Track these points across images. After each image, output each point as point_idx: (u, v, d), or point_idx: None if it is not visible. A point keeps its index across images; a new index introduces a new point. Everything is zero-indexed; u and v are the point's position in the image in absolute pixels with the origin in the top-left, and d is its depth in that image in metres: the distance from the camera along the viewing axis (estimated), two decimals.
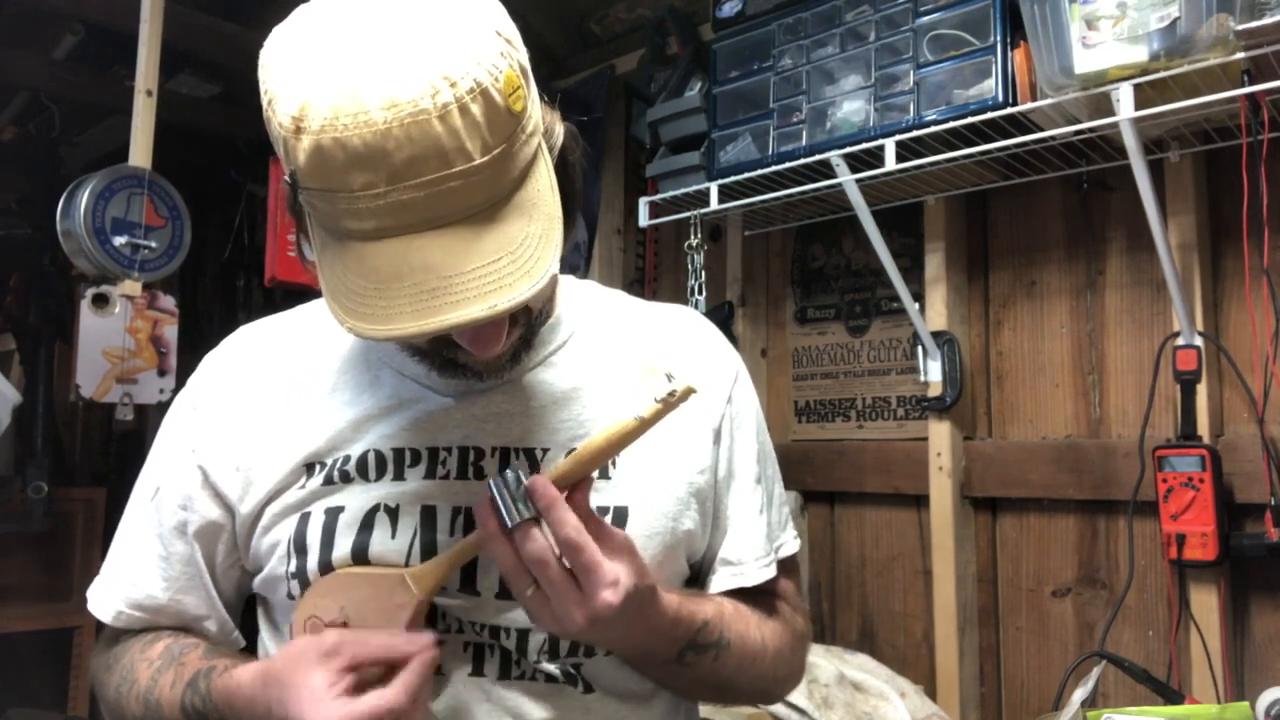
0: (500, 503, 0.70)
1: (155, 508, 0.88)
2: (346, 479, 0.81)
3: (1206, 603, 1.49)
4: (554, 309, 0.89)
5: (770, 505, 0.94)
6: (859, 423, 2.06)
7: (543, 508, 0.70)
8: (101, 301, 1.99)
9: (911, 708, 1.65)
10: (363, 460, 0.82)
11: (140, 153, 1.93)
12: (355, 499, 0.81)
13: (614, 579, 0.70)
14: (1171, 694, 1.43)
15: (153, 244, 2.00)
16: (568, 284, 0.93)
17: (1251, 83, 1.31)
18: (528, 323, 0.80)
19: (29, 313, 3.01)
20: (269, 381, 0.87)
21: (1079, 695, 1.31)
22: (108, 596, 0.89)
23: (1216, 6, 1.27)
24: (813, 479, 2.09)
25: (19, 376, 3.08)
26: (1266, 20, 1.23)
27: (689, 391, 0.72)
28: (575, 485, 0.72)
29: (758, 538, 0.91)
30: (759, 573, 0.90)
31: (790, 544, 0.96)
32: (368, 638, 0.73)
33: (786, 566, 0.95)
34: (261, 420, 0.85)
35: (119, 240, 1.95)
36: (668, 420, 0.79)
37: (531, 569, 0.70)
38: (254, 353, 0.90)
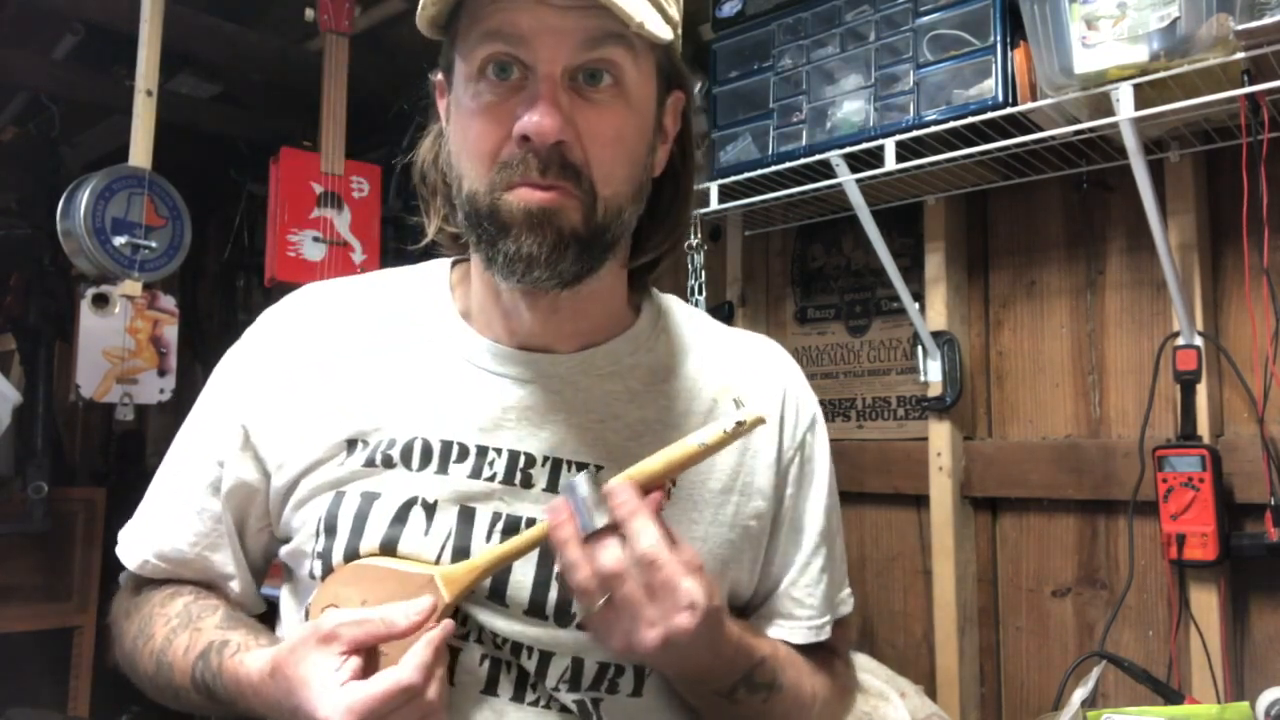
0: (578, 507, 0.67)
1: (193, 460, 0.86)
2: (389, 463, 0.79)
3: (1206, 603, 1.49)
4: (630, 316, 0.87)
5: (835, 562, 0.91)
6: (859, 423, 2.06)
7: (624, 515, 0.67)
8: (101, 301, 1.99)
9: (911, 708, 1.65)
10: (408, 447, 0.79)
11: (140, 153, 1.93)
12: (393, 487, 0.78)
13: (691, 600, 0.66)
14: (1171, 694, 1.43)
15: (153, 244, 2.00)
16: (653, 299, 0.91)
17: (1251, 83, 1.30)
18: (590, 199, 0.75)
19: (29, 313, 3.01)
20: (325, 347, 0.85)
21: (1079, 695, 1.31)
22: (136, 545, 0.88)
23: (1216, 6, 1.27)
24: None
25: (19, 376, 3.07)
26: (1266, 20, 1.23)
27: (758, 421, 0.69)
28: (647, 495, 0.69)
29: (816, 597, 0.88)
30: (816, 634, 0.87)
31: (848, 603, 0.93)
32: (366, 615, 0.70)
33: (840, 624, 0.92)
34: (311, 387, 0.83)
35: (119, 240, 1.95)
36: (731, 455, 0.78)
37: (607, 582, 0.67)
38: (314, 315, 0.88)
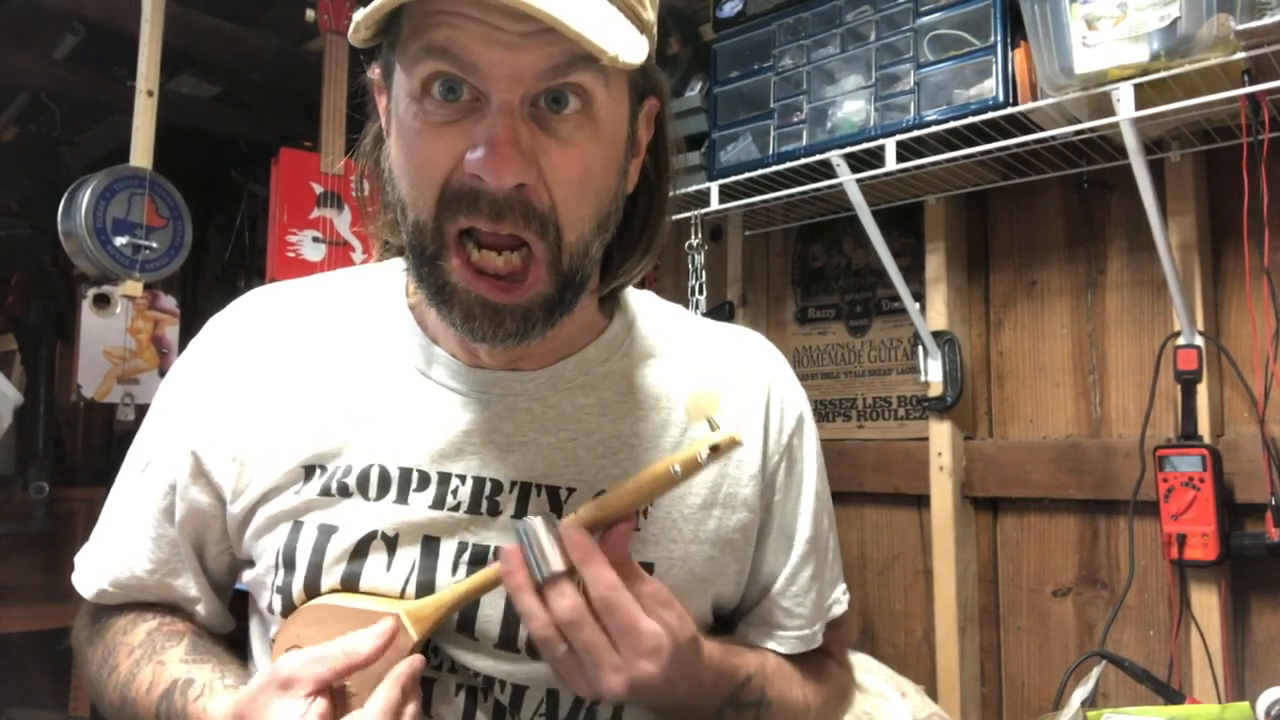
0: (530, 552, 0.64)
1: (144, 485, 0.81)
2: (345, 492, 0.73)
3: (1207, 603, 1.49)
4: (601, 320, 0.81)
5: (825, 566, 0.86)
6: (859, 422, 2.06)
7: (577, 561, 0.63)
8: (103, 302, 2.00)
9: (912, 707, 1.65)
10: (364, 475, 0.74)
11: (141, 153, 1.93)
12: (351, 519, 0.73)
13: (654, 645, 0.64)
14: (1172, 694, 1.43)
15: (154, 244, 2.00)
16: (625, 300, 0.84)
17: (1252, 83, 1.30)
18: (555, 250, 0.67)
19: (30, 313, 3.01)
20: (275, 362, 0.78)
21: (1079, 695, 1.31)
22: (92, 572, 0.83)
23: (1217, 6, 1.27)
24: None
25: (20, 377, 3.08)
26: (1267, 20, 1.23)
27: (732, 444, 0.65)
28: (611, 529, 0.66)
29: (806, 606, 0.84)
30: (806, 644, 0.84)
31: (841, 604, 0.88)
32: (325, 653, 0.65)
33: (834, 624, 0.88)
34: (263, 407, 0.77)
35: (120, 240, 1.96)
36: (712, 469, 0.74)
37: (564, 630, 0.64)
38: (262, 325, 0.81)
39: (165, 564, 0.81)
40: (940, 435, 1.83)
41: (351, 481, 0.74)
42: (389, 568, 0.72)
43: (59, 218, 1.97)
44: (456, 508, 0.73)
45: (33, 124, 3.06)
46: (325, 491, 0.74)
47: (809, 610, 0.84)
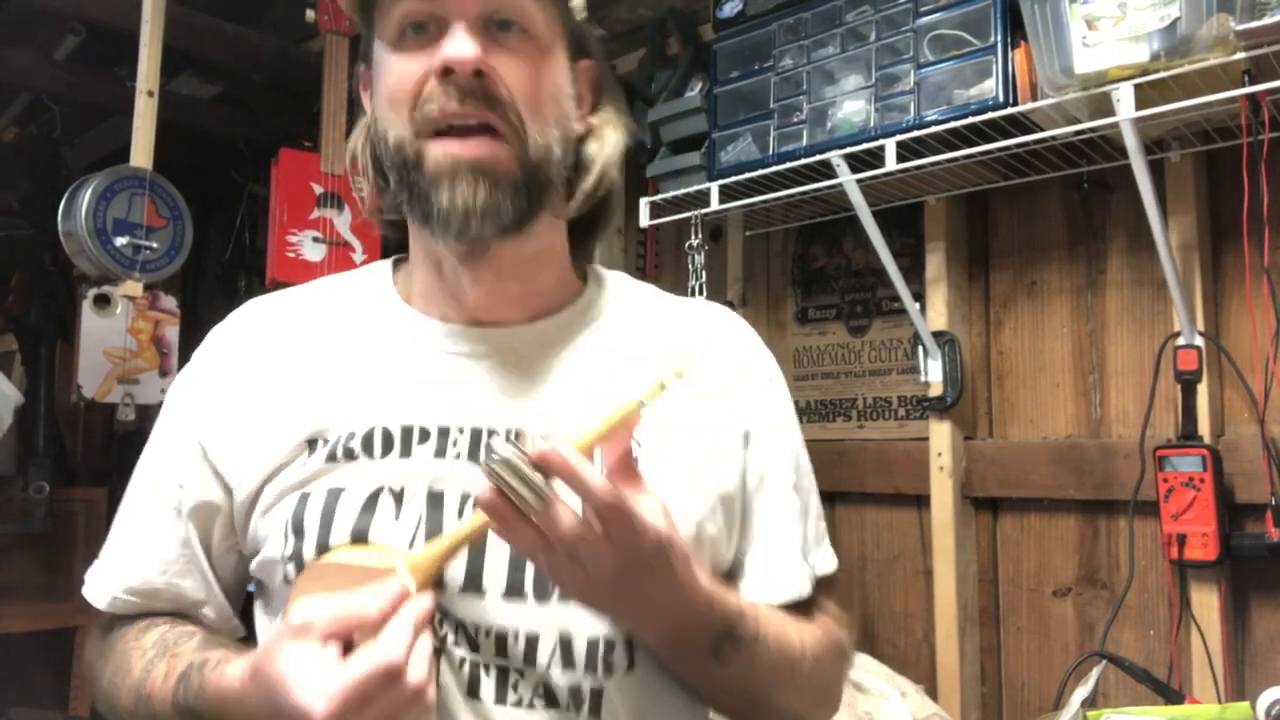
0: (512, 485, 0.63)
1: (153, 488, 0.85)
2: (350, 456, 0.77)
3: (1207, 603, 1.49)
4: (578, 285, 0.87)
5: (807, 516, 0.88)
6: (860, 423, 2.06)
7: (565, 477, 0.63)
8: (103, 302, 2.00)
9: (912, 707, 1.65)
10: (368, 436, 0.78)
11: (141, 153, 1.94)
12: (358, 478, 0.77)
13: (652, 527, 0.65)
14: (1172, 694, 1.43)
15: (154, 244, 2.00)
16: (597, 271, 0.91)
17: (1252, 83, 1.30)
18: (519, 133, 0.76)
19: (30, 313, 3.01)
20: (273, 354, 0.84)
21: (1079, 695, 1.31)
22: (104, 582, 0.85)
23: (1217, 6, 1.27)
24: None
25: (20, 377, 3.08)
26: (1267, 20, 1.23)
27: (679, 374, 0.68)
28: (612, 440, 0.67)
29: (790, 548, 0.84)
30: (793, 587, 0.83)
31: (827, 561, 0.89)
32: (335, 603, 0.65)
33: (825, 585, 0.88)
34: (263, 395, 0.81)
35: (120, 241, 1.96)
36: (697, 422, 0.77)
37: (574, 549, 0.64)
38: (260, 325, 0.87)
39: (173, 564, 0.83)
40: (940, 435, 1.83)
41: (356, 445, 0.78)
42: (397, 518, 0.75)
43: (59, 218, 1.97)
44: (458, 457, 0.77)
45: (33, 124, 3.06)
46: (331, 458, 0.78)
47: (793, 554, 0.85)
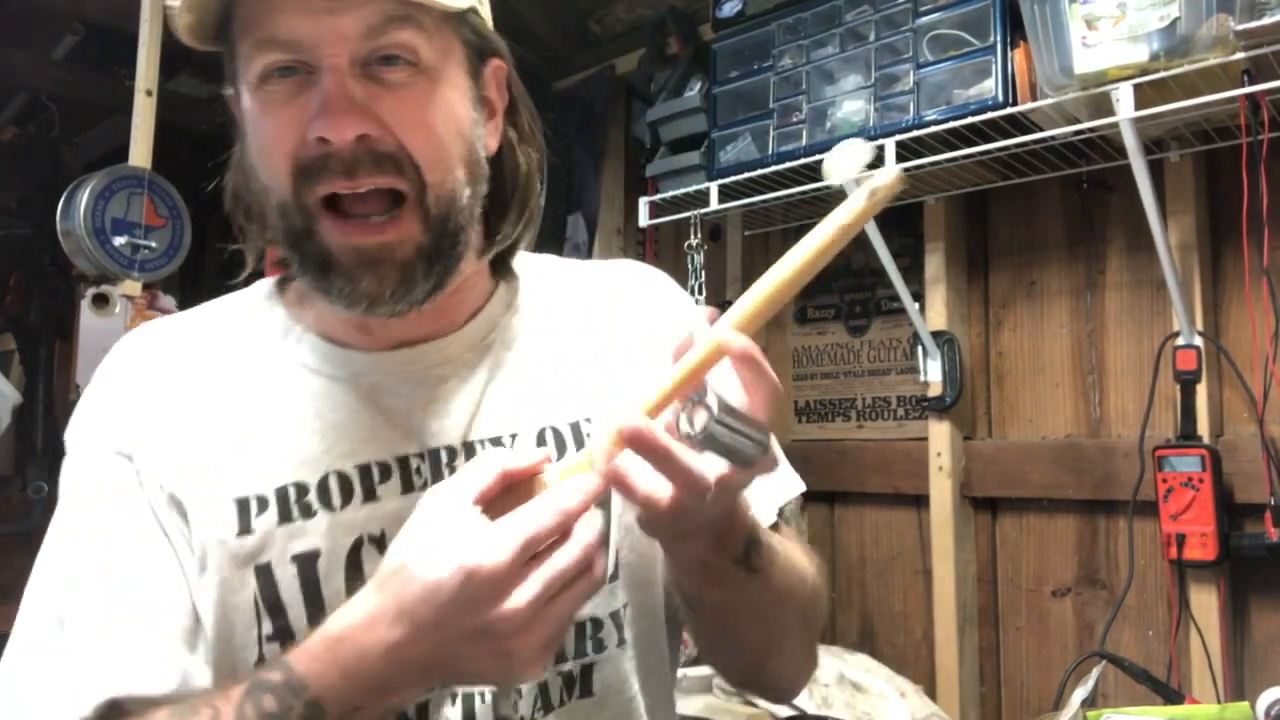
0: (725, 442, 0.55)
1: (107, 569, 0.70)
2: (308, 512, 0.69)
3: (1206, 603, 1.49)
4: (488, 284, 0.81)
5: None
6: (859, 423, 2.06)
7: (644, 450, 0.56)
8: (102, 301, 1.99)
9: (911, 708, 1.65)
10: (323, 486, 0.70)
11: (140, 153, 1.93)
12: (329, 537, 0.69)
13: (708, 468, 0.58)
14: (1171, 694, 1.43)
15: (152, 244, 1.99)
16: (497, 264, 0.83)
17: (1251, 83, 1.30)
18: (418, 189, 0.67)
19: (29, 312, 3.01)
20: (178, 403, 0.73)
21: (1079, 695, 1.31)
22: (74, 694, 0.64)
23: (1216, 6, 1.27)
24: (813, 479, 2.07)
25: (19, 376, 3.08)
26: (1266, 20, 1.23)
27: (897, 183, 0.56)
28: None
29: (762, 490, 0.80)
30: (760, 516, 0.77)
31: (790, 486, 0.84)
32: (492, 467, 0.58)
33: (783, 514, 0.84)
34: (182, 451, 0.71)
35: (119, 240, 1.95)
36: (638, 374, 0.74)
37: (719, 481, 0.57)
38: (157, 371, 0.76)
39: (179, 662, 0.68)
40: (939, 435, 1.83)
41: (314, 499, 0.70)
42: None
43: (58, 217, 1.97)
44: (424, 485, 0.72)
45: (32, 124, 3.06)
46: (286, 518, 0.69)
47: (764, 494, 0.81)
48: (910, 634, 1.95)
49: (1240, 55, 1.28)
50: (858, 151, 0.62)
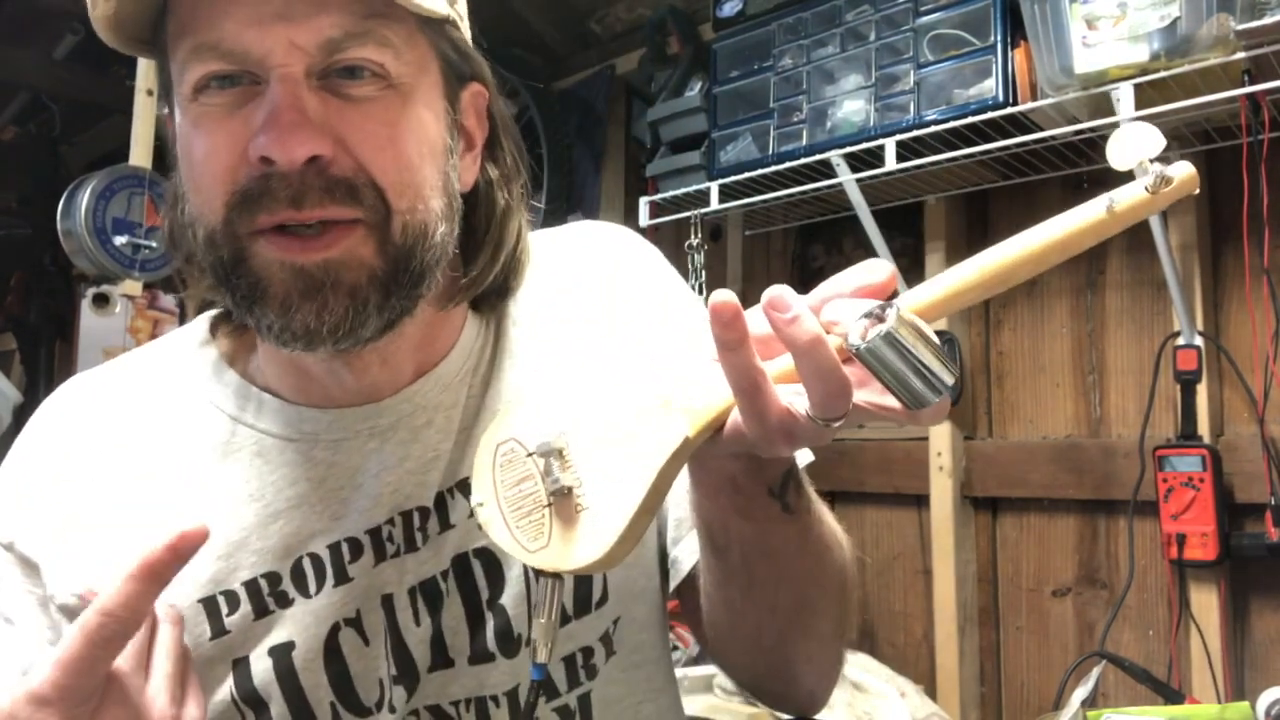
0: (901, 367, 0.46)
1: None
2: (284, 601, 0.64)
3: (1206, 603, 1.49)
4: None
5: None
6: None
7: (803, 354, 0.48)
8: (102, 301, 1.99)
9: (911, 707, 1.65)
10: (297, 571, 0.65)
11: (140, 152, 1.94)
12: (305, 624, 0.64)
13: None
14: (1171, 694, 1.43)
15: (153, 244, 2.00)
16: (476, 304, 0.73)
17: (1252, 83, 1.30)
18: (381, 214, 0.58)
19: (30, 312, 3.02)
20: (116, 489, 0.66)
21: (1079, 695, 1.31)
22: None
23: (1217, 6, 1.27)
24: (813, 478, 2.07)
25: (20, 376, 3.08)
26: (1267, 20, 1.23)
27: (1192, 180, 0.47)
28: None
29: None
30: None
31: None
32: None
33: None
34: (119, 551, 0.62)
35: (119, 240, 1.95)
36: (615, 366, 0.66)
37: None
38: (87, 450, 0.68)
39: None
40: (940, 435, 1.83)
41: (288, 586, 0.65)
42: (367, 644, 0.66)
43: (58, 217, 1.97)
44: (396, 554, 0.66)
45: (32, 124, 3.06)
46: (261, 612, 0.64)
47: None
48: (910, 634, 1.95)
49: (1241, 55, 1.28)
50: (1147, 137, 0.51)
